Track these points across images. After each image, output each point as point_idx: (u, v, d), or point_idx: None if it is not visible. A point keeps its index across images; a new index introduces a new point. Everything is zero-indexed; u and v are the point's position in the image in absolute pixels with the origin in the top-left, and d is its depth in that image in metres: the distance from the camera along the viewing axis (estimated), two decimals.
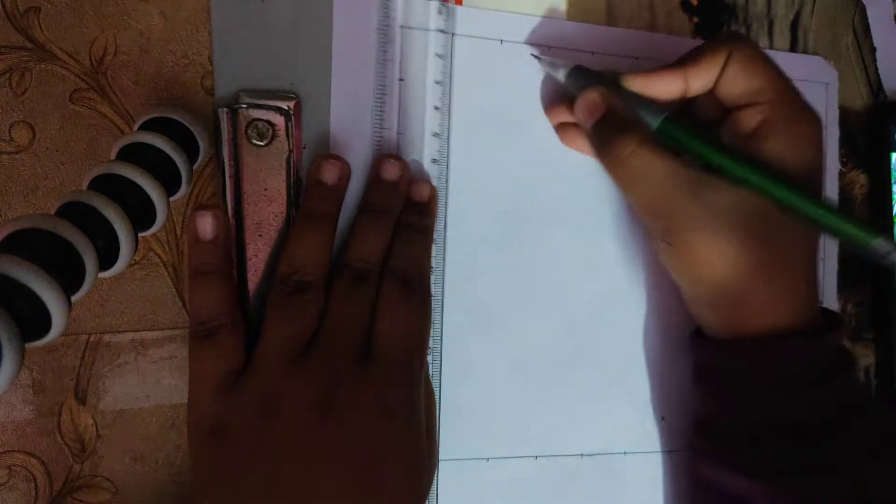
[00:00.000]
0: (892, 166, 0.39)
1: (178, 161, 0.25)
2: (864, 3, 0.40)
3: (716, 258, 0.28)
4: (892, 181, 0.39)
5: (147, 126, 0.26)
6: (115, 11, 0.28)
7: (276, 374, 0.26)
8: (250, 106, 0.29)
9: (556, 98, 0.32)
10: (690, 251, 0.28)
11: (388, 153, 0.31)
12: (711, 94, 0.29)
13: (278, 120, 0.29)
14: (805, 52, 0.39)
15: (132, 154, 0.25)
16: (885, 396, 0.40)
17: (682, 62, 0.29)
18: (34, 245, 0.20)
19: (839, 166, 0.39)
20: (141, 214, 0.24)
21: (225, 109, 0.28)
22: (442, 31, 0.32)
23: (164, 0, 0.29)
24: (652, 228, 0.30)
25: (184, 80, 0.29)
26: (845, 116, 0.39)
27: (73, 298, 0.21)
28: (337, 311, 0.27)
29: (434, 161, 0.32)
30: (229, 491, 0.25)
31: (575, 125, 0.32)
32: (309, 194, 0.29)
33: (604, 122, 0.29)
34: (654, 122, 0.29)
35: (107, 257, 0.22)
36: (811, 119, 0.28)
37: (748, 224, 0.27)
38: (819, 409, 0.28)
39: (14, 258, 0.19)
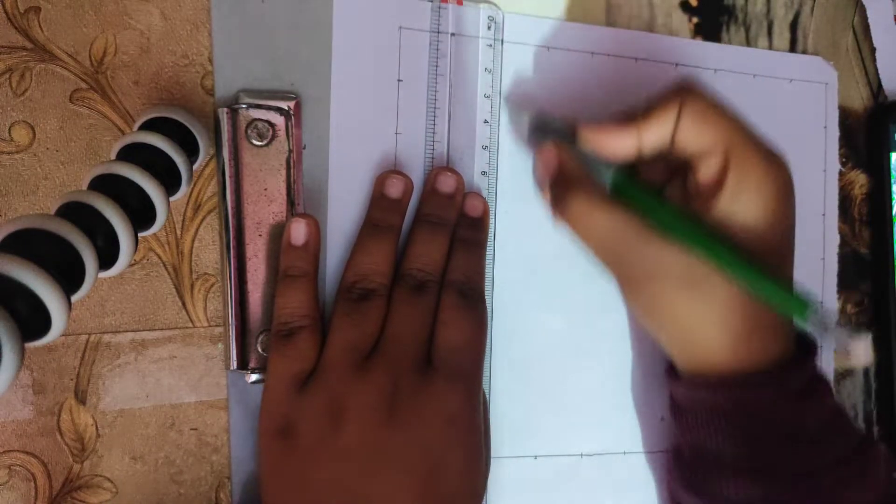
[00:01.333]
0: (892, 166, 0.39)
1: (178, 161, 0.25)
2: (864, 3, 0.40)
3: (665, 308, 0.28)
4: (892, 181, 0.39)
5: (147, 126, 0.26)
6: (115, 11, 0.28)
7: (342, 377, 0.27)
8: (250, 106, 0.29)
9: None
10: (637, 299, 0.29)
11: (444, 166, 0.32)
12: (673, 146, 0.29)
13: (278, 120, 0.29)
14: (805, 52, 0.39)
15: (132, 154, 0.25)
16: (883, 397, 0.40)
17: (635, 119, 0.28)
18: (34, 245, 0.20)
19: (839, 166, 0.39)
20: (141, 214, 0.24)
21: (225, 109, 0.28)
22: (490, 45, 0.32)
23: (164, 0, 0.29)
24: (611, 276, 0.30)
25: (184, 80, 0.29)
26: (845, 116, 0.39)
27: (73, 298, 0.21)
28: (399, 318, 0.28)
29: (483, 173, 0.32)
30: (294, 489, 0.26)
31: None
32: (373, 206, 0.30)
33: (556, 180, 0.29)
34: (607, 175, 0.29)
35: (107, 257, 0.22)
36: (770, 170, 0.27)
37: (699, 278, 0.27)
38: (788, 444, 0.28)
39: (14, 258, 0.19)
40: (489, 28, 0.33)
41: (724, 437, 0.29)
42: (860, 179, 0.40)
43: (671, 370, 0.32)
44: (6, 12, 0.27)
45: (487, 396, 0.32)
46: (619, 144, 0.29)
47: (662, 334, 0.30)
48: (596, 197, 0.28)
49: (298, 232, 0.29)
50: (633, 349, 0.35)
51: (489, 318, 0.32)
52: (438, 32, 0.32)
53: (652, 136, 0.28)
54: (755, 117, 0.37)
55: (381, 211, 0.30)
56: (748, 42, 0.37)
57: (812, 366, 0.29)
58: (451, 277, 0.30)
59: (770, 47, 0.38)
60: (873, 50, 0.40)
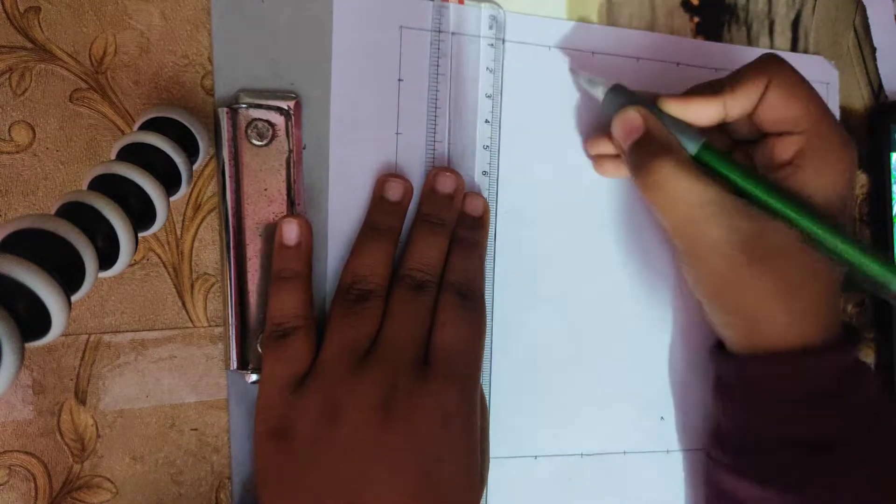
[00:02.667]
0: (892, 166, 0.39)
1: (178, 161, 0.25)
2: (865, 3, 0.39)
3: (735, 283, 0.28)
4: (892, 181, 0.39)
5: (147, 126, 0.26)
6: (115, 11, 0.28)
7: (338, 378, 0.27)
8: (250, 106, 0.29)
9: (596, 130, 0.33)
10: (712, 274, 0.29)
11: (443, 166, 0.32)
12: (750, 116, 0.29)
13: (278, 120, 0.29)
14: (806, 51, 0.38)
15: (132, 154, 0.25)
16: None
17: (721, 87, 0.29)
18: (34, 245, 0.20)
19: None
20: (141, 214, 0.24)
21: (225, 109, 0.28)
22: (492, 45, 0.32)
23: (164, 0, 0.29)
24: (679, 248, 0.30)
25: (184, 80, 0.29)
26: (845, 116, 0.39)
27: (73, 298, 0.21)
28: (397, 317, 0.28)
29: (484, 173, 0.33)
30: (290, 489, 0.26)
31: (612, 157, 0.32)
32: (372, 209, 0.30)
33: (641, 143, 0.29)
34: (691, 146, 0.29)
35: (107, 257, 0.22)
36: (846, 150, 0.28)
37: (770, 253, 0.28)
38: (833, 421, 0.28)
39: (14, 258, 0.19)
40: (491, 28, 0.32)
41: (776, 411, 0.29)
42: (860, 179, 0.40)
43: (716, 349, 0.32)
44: (6, 12, 0.27)
45: (487, 397, 0.32)
46: (705, 114, 0.29)
47: (720, 309, 0.30)
48: (683, 164, 0.28)
49: (290, 233, 0.29)
50: (633, 348, 0.35)
51: (489, 318, 0.32)
52: (440, 32, 0.32)
53: (737, 106, 0.29)
54: None
55: (380, 214, 0.30)
56: (749, 41, 0.37)
57: (854, 351, 0.30)
58: (450, 278, 0.30)
59: (771, 47, 0.38)
60: (874, 50, 0.40)
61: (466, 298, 0.29)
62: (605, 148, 0.32)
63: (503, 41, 0.33)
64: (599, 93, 0.31)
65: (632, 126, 0.29)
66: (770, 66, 0.28)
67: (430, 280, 0.29)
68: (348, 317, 0.28)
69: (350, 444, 0.26)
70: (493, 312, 0.33)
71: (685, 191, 0.28)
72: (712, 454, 0.32)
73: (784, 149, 0.28)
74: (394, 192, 0.30)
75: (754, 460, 0.29)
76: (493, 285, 0.33)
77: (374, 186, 0.31)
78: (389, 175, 0.31)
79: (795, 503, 0.28)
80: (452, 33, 0.32)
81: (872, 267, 0.27)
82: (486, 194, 0.32)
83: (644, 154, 0.29)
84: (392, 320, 0.28)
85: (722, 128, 0.31)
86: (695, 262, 0.29)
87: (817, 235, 0.27)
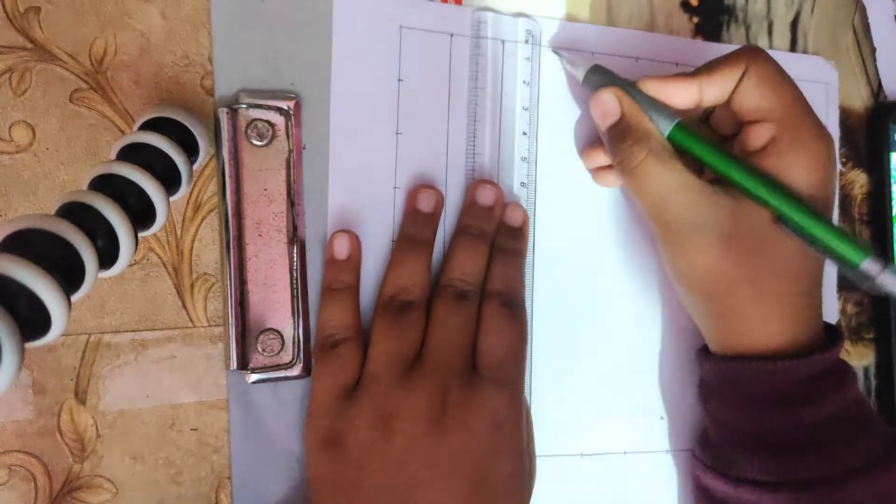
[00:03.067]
0: (892, 166, 0.39)
1: (178, 161, 0.25)
2: (864, 3, 0.40)
3: (708, 268, 0.28)
4: (892, 181, 0.39)
5: (147, 126, 0.26)
6: (115, 11, 0.28)
7: (390, 387, 0.27)
8: (250, 106, 0.29)
9: (591, 142, 0.33)
10: (685, 258, 0.29)
11: (483, 179, 0.32)
12: (728, 105, 0.30)
13: (278, 120, 0.29)
14: (805, 52, 0.39)
15: (132, 154, 0.25)
16: (883, 396, 0.40)
17: (699, 72, 0.29)
18: (34, 245, 0.20)
19: (839, 166, 0.39)
20: (141, 214, 0.24)
21: (225, 109, 0.28)
22: (528, 58, 0.33)
23: (164, 0, 0.29)
24: (654, 232, 0.30)
25: (184, 80, 0.29)
26: (845, 116, 0.39)
27: (73, 298, 0.21)
28: (442, 327, 0.29)
29: (522, 184, 0.33)
30: (345, 497, 0.27)
31: (609, 167, 0.33)
32: (407, 221, 0.31)
33: (616, 127, 0.29)
34: (666, 127, 0.29)
35: (107, 257, 0.22)
36: (820, 141, 0.28)
37: (742, 240, 0.28)
38: (812, 425, 0.28)
39: (14, 258, 0.19)
40: (527, 41, 0.33)
41: (750, 412, 0.29)
42: (860, 179, 0.40)
43: (701, 350, 0.32)
44: (6, 12, 0.27)
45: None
46: (680, 95, 0.29)
47: (692, 298, 0.30)
48: (656, 152, 0.28)
49: (342, 246, 0.29)
50: (633, 349, 0.35)
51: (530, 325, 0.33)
52: (478, 40, 0.32)
53: (713, 91, 0.29)
54: None
55: (415, 225, 0.31)
56: (748, 42, 0.37)
57: (835, 354, 0.29)
58: (492, 287, 0.30)
59: (770, 47, 0.38)
60: (873, 49, 0.40)
61: (510, 306, 0.30)
62: (601, 160, 0.33)
63: (539, 55, 0.33)
64: (580, 73, 0.31)
65: (607, 109, 0.29)
66: (748, 55, 0.29)
67: (473, 290, 0.30)
68: (393, 327, 0.28)
69: (404, 453, 0.26)
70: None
71: (657, 178, 0.28)
72: (695, 452, 0.32)
73: (757, 136, 0.29)
74: (427, 203, 0.31)
75: (730, 459, 0.30)
76: (532, 294, 0.33)
77: (406, 198, 0.31)
78: (421, 186, 0.31)
79: (768, 503, 0.28)
80: (489, 44, 0.32)
81: (839, 243, 0.27)
82: (524, 204, 0.33)
83: (619, 140, 0.29)
84: (438, 329, 0.29)
85: (707, 121, 0.32)
86: (668, 249, 0.30)
87: (785, 213, 0.27)
